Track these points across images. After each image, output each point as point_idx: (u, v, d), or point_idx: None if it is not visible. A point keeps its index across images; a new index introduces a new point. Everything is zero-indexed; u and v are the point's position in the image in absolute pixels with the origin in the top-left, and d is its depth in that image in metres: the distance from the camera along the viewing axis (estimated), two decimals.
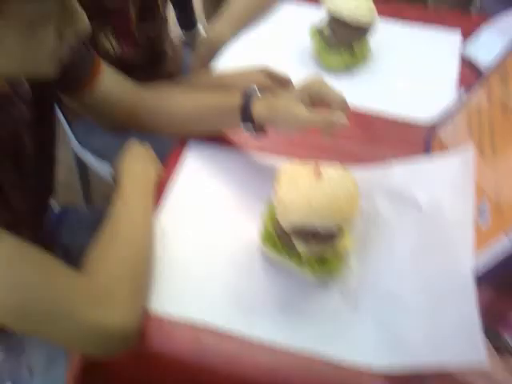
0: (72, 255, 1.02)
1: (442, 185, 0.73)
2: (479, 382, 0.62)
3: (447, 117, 0.88)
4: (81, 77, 0.85)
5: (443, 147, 0.83)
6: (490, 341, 0.64)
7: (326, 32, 1.05)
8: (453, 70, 1.08)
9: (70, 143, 1.39)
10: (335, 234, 0.70)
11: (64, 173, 1.71)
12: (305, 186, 0.69)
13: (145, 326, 0.68)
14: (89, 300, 0.62)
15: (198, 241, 0.78)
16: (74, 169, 1.52)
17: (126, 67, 0.99)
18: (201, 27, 2.36)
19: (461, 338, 0.59)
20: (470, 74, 1.07)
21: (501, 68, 0.78)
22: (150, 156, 0.88)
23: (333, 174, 0.71)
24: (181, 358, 0.67)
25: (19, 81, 0.73)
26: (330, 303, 0.71)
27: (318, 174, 0.70)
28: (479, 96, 0.81)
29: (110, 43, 1.16)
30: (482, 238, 0.64)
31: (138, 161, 0.84)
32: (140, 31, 1.21)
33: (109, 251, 0.68)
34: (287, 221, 0.70)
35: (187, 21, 2.33)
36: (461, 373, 0.63)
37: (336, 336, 0.67)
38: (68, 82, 0.84)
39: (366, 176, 0.80)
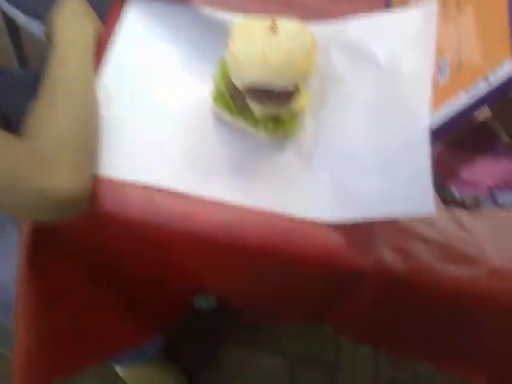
0: (10, 121, 0.96)
1: (402, 40, 0.70)
2: (424, 230, 0.66)
3: None
4: None
5: (405, 2, 0.79)
6: (439, 194, 0.67)
7: None
8: None
9: None
10: (291, 92, 0.68)
11: None
12: (260, 41, 0.65)
13: (95, 187, 0.66)
14: (32, 166, 0.59)
15: (146, 102, 0.74)
16: (3, 29, 1.38)
17: None
18: None
19: (412, 191, 0.60)
20: None
21: None
22: (87, 11, 0.79)
23: (290, 28, 0.67)
24: (133, 218, 0.66)
25: None
26: (284, 162, 0.70)
27: (274, 29, 0.66)
28: None
29: None
30: (439, 95, 0.63)
31: (73, 17, 0.76)
32: None
33: (49, 115, 0.64)
34: (241, 79, 0.66)
35: None
36: (408, 221, 0.66)
37: (290, 193, 0.68)
38: None
39: (322, 31, 0.76)
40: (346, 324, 0.80)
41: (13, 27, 1.38)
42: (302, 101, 0.70)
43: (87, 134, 0.67)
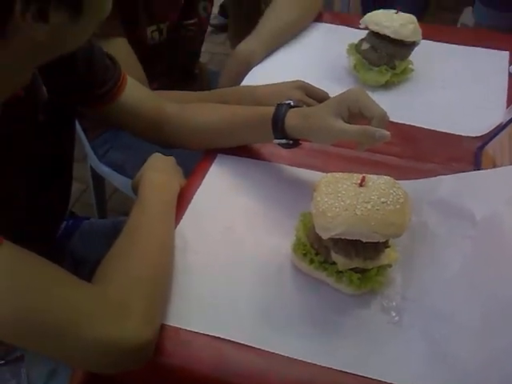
0: (83, 268, 0.96)
1: (502, 196, 0.67)
2: None
3: (497, 132, 0.84)
4: (105, 90, 0.82)
5: (494, 164, 0.77)
6: None
7: (365, 48, 1.02)
8: (501, 87, 1.04)
9: (87, 158, 1.35)
10: (379, 245, 0.64)
11: (79, 187, 1.67)
12: (348, 193, 0.64)
13: (160, 335, 0.61)
14: (100, 312, 0.56)
15: (221, 251, 0.73)
16: (89, 182, 1.48)
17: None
18: None
19: None
20: None
21: None
22: (174, 167, 0.84)
23: (380, 182, 0.66)
24: (199, 371, 0.61)
25: (37, 86, 0.69)
26: (369, 319, 0.65)
27: (363, 182, 0.65)
28: None
29: (157, 35, 1.13)
30: None
31: (160, 171, 0.80)
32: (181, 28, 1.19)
33: (125, 260, 0.63)
34: (326, 230, 0.64)
35: None
36: None
37: (377, 355, 0.61)
38: (92, 95, 0.81)
39: (413, 187, 0.75)
40: None
41: (98, 181, 1.47)
42: (392, 255, 0.67)
43: (161, 283, 0.65)
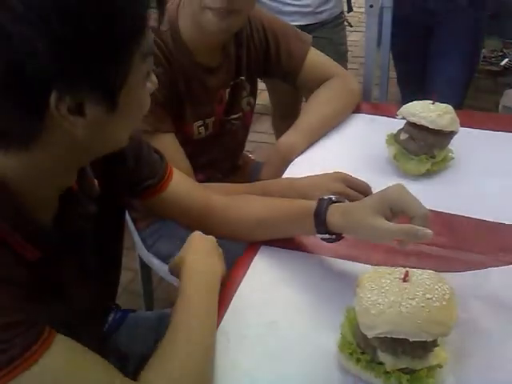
0: (128, 362, 0.96)
1: None
2: None
3: None
4: (152, 183, 0.85)
5: None
6: None
7: (404, 138, 1.03)
8: None
9: (136, 249, 1.38)
10: (428, 344, 0.62)
11: (127, 276, 1.70)
12: (392, 289, 0.63)
13: None
14: None
15: (265, 348, 0.72)
16: (138, 273, 1.50)
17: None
18: None
19: None
20: None
21: None
22: (215, 248, 0.83)
23: (424, 277, 0.65)
24: None
25: (89, 180, 0.73)
26: None
27: (407, 278, 0.64)
28: None
29: (203, 130, 1.18)
30: None
31: (201, 254, 0.80)
32: (226, 123, 1.24)
33: (168, 359, 0.64)
34: (371, 328, 0.63)
35: None
36: None
37: None
38: (139, 189, 0.84)
39: (459, 281, 0.73)
40: None
41: (146, 270, 1.49)
42: (441, 355, 0.64)
43: (202, 380, 0.65)
